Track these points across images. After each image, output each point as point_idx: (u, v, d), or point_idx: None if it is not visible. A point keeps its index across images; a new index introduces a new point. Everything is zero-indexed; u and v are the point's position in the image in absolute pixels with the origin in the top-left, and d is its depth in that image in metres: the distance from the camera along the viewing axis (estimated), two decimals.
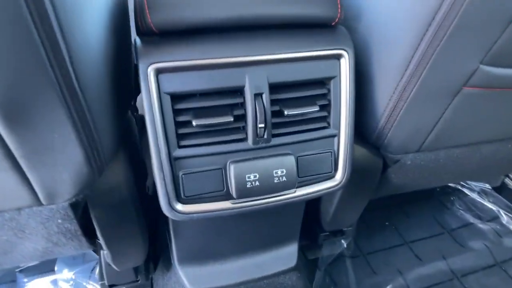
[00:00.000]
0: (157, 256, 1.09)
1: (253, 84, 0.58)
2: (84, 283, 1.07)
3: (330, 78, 0.64)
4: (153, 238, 1.06)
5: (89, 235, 0.71)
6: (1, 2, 0.34)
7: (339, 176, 0.69)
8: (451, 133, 0.73)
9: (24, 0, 0.35)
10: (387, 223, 1.42)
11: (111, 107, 0.59)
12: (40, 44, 0.39)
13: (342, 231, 1.16)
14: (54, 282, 1.09)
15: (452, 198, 1.53)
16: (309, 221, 1.04)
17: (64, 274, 1.10)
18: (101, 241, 0.72)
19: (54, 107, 0.44)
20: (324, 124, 0.66)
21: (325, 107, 0.66)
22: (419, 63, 0.58)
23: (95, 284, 1.06)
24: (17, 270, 1.14)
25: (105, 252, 0.78)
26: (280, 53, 0.59)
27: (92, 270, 1.09)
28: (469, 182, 1.55)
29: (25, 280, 1.10)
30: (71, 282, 1.08)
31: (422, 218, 1.45)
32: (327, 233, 1.13)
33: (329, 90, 0.65)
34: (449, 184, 1.56)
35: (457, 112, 0.67)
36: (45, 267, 1.14)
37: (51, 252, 0.71)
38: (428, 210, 1.48)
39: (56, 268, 1.11)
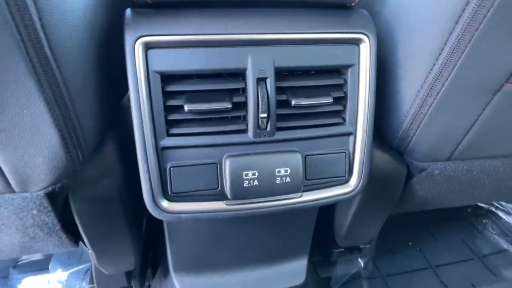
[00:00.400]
0: (156, 262, 1.02)
1: (256, 67, 0.51)
2: (77, 286, 1.01)
3: (348, 67, 0.56)
4: (153, 242, 0.98)
5: (72, 232, 0.64)
6: None
7: (354, 181, 0.60)
8: (489, 139, 0.63)
9: None
10: (410, 243, 1.31)
11: (98, 87, 0.53)
12: (3, 2, 0.34)
13: (359, 248, 1.06)
14: (47, 281, 1.04)
15: (484, 221, 1.40)
16: (322, 234, 0.95)
17: (58, 274, 1.04)
18: (84, 239, 0.65)
19: (23, 78, 0.39)
20: (338, 120, 0.58)
21: (340, 100, 0.58)
22: (453, 50, 0.49)
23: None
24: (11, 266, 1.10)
25: (89, 252, 0.71)
26: (290, 33, 0.51)
27: (86, 272, 1.03)
28: (504, 203, 1.42)
29: (18, 276, 1.05)
30: (64, 283, 1.02)
31: (450, 240, 1.33)
32: (342, 249, 1.03)
33: (345, 81, 0.56)
34: (482, 205, 1.43)
35: (496, 114, 0.57)
36: (39, 265, 1.09)
37: (30, 247, 0.64)
38: (457, 232, 1.36)
39: (50, 267, 1.06)
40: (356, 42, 0.55)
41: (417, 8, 0.53)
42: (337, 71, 0.57)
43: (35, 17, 0.37)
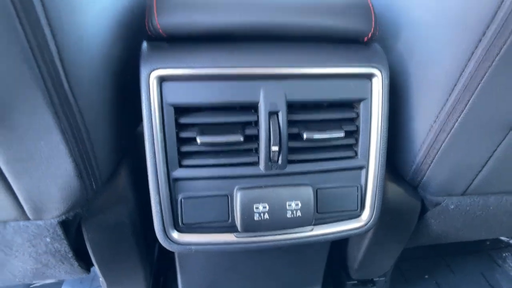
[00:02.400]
0: None
1: (268, 100, 0.51)
2: None
3: (360, 101, 0.56)
4: (165, 269, 0.98)
5: (84, 259, 0.64)
6: None
7: (366, 216, 0.59)
8: (504, 175, 0.61)
9: None
10: (426, 277, 1.27)
11: (113, 117, 0.54)
12: (24, 38, 0.35)
13: (373, 281, 1.03)
14: None
15: (504, 255, 1.35)
16: (334, 266, 0.93)
17: None
18: (96, 267, 0.66)
19: (40, 109, 0.40)
20: (350, 153, 0.58)
21: (353, 134, 0.58)
22: (466, 87, 0.48)
23: None
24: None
25: (100, 280, 0.71)
26: (302, 67, 0.52)
27: None
28: None
29: None
30: None
31: (468, 274, 1.28)
32: (355, 281, 1.00)
33: (358, 114, 0.57)
34: (502, 238, 1.38)
35: (507, 158, 0.56)
36: None
37: (42, 274, 0.65)
38: (475, 265, 1.31)
39: None
40: (369, 77, 0.55)
41: (430, 43, 0.53)
42: (349, 104, 0.57)
43: (54, 52, 0.38)
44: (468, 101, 0.49)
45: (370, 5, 0.54)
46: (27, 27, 0.35)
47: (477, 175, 0.60)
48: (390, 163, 0.62)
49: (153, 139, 0.51)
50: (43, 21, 0.36)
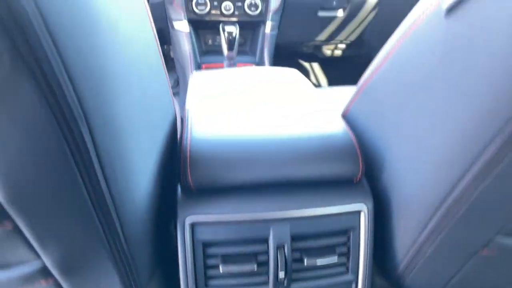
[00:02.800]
0: None
1: (276, 236, 0.65)
2: None
3: (350, 229, 0.69)
4: None
5: None
6: (60, 179, 0.42)
7: None
8: (473, 282, 0.74)
9: (81, 178, 0.43)
10: None
11: (152, 243, 0.68)
12: (95, 218, 0.48)
13: None
14: None
15: None
16: None
17: None
18: None
19: (104, 263, 0.54)
20: (342, 270, 0.71)
21: (344, 254, 0.71)
22: (432, 231, 0.61)
23: None
24: None
25: None
26: (303, 209, 0.66)
27: None
28: None
29: None
30: None
31: None
32: None
33: (348, 239, 0.70)
34: None
35: (475, 270, 0.68)
36: None
37: None
38: None
39: None
40: (357, 211, 0.69)
41: (406, 186, 0.65)
42: (341, 232, 0.70)
43: (117, 223, 0.51)
44: (435, 240, 0.62)
45: (358, 153, 0.68)
46: (98, 211, 0.47)
47: (449, 281, 0.73)
48: (379, 266, 0.75)
49: (186, 267, 0.65)
50: (108, 198, 0.48)
